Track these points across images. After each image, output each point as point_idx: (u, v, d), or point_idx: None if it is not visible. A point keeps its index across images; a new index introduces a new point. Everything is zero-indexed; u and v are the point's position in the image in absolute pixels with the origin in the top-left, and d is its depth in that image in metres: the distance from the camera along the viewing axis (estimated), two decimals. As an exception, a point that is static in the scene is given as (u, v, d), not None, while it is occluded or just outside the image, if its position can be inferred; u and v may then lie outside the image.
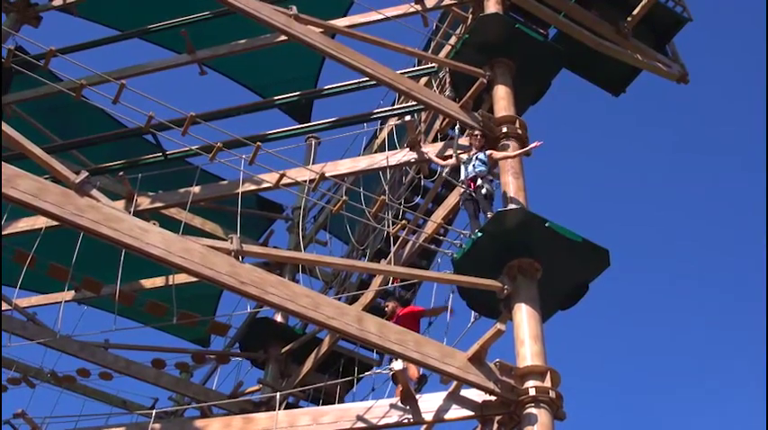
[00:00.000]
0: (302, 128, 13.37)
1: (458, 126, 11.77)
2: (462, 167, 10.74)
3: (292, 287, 8.86)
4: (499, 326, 9.19)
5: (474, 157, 10.71)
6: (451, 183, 12.10)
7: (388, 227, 11.13)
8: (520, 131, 11.19)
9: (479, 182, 10.46)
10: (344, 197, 10.18)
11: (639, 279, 30.82)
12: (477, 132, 10.98)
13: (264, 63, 14.92)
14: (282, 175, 10.63)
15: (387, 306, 11.02)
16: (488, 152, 10.73)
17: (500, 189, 10.72)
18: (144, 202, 12.58)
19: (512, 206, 10.20)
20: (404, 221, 10.97)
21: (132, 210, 11.14)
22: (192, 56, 13.27)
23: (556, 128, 29.28)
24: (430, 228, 11.36)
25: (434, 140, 12.73)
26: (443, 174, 12.02)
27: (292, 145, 13.44)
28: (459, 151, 10.88)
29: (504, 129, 11.13)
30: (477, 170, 10.56)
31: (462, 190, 10.58)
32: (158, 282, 14.31)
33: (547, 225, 9.78)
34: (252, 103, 13.73)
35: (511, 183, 10.61)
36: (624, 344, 29.99)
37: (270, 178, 11.16)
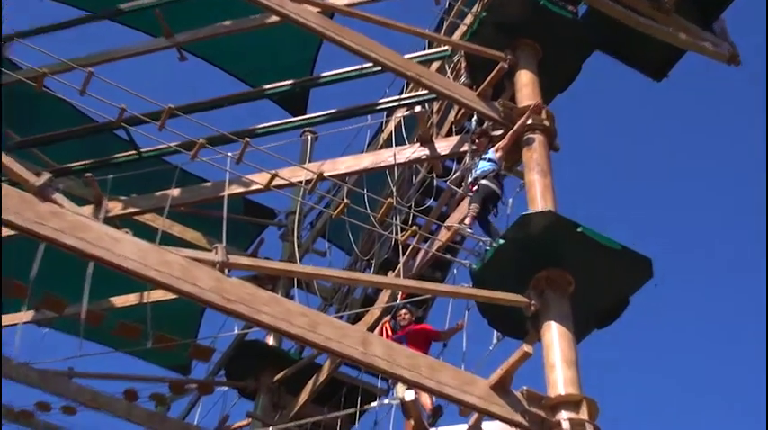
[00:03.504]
0: (297, 121, 13.44)
1: (475, 117, 11.75)
2: (469, 176, 10.93)
3: (286, 304, 8.87)
4: (526, 348, 9.18)
5: (478, 161, 10.87)
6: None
7: (397, 234, 11.14)
8: (547, 123, 11.17)
9: (482, 182, 10.59)
10: (346, 200, 10.24)
11: (685, 289, 30.69)
12: (477, 132, 11.18)
13: (253, 47, 14.92)
14: (274, 176, 10.66)
15: (402, 315, 11.08)
16: (495, 147, 10.90)
17: (524, 190, 10.74)
18: (115, 208, 12.62)
19: (538, 209, 10.21)
20: (414, 228, 11.00)
21: (102, 216, 11.20)
22: (169, 40, 13.31)
23: (587, 119, 29.26)
24: (444, 235, 11.39)
25: (449, 134, 12.74)
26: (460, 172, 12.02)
27: (285, 140, 13.40)
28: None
29: (529, 121, 11.13)
30: (480, 170, 10.69)
31: (468, 197, 10.71)
32: (131, 299, 14.33)
33: (579, 230, 9.78)
34: (239, 92, 13.78)
35: (537, 183, 10.62)
36: (673, 367, 29.82)
37: (260, 179, 11.18)
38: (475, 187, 10.68)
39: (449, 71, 12.90)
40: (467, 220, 10.45)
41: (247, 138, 10.12)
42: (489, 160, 10.83)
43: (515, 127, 10.96)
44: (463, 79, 12.22)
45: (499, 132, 11.34)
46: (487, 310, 10.24)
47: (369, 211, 11.38)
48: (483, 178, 10.67)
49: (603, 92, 30.41)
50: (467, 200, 10.99)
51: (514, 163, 11.26)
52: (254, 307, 8.58)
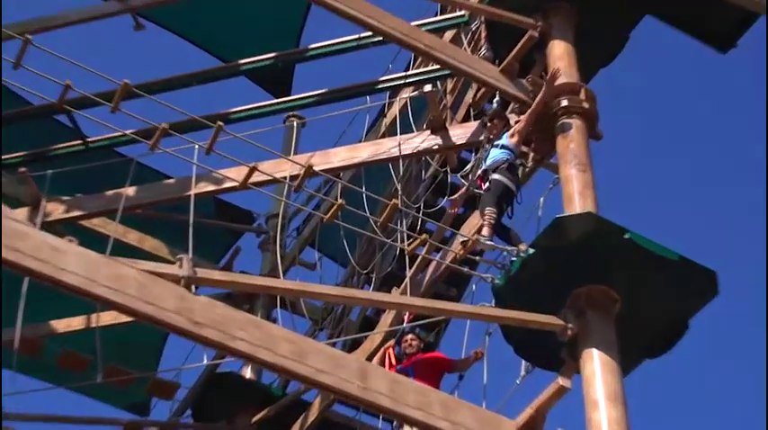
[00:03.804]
0: (280, 103, 13.40)
1: (497, 98, 11.76)
2: (477, 168, 11.03)
3: (267, 328, 8.89)
4: (562, 381, 9.20)
5: (490, 148, 10.94)
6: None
7: (402, 242, 11.13)
8: (586, 105, 11.17)
9: (493, 176, 10.61)
10: (340, 200, 10.21)
11: (753, 307, 30.57)
12: (491, 113, 11.26)
13: (226, 14, 14.96)
14: (253, 170, 10.63)
15: (409, 341, 11.11)
16: (510, 131, 11.00)
17: (559, 187, 10.76)
18: (56, 210, 12.58)
19: (575, 210, 10.20)
20: (424, 236, 10.94)
21: (39, 221, 11.21)
22: (122, 3, 13.26)
23: (636, 100, 29.17)
24: (460, 245, 11.32)
25: (465, 119, 12.73)
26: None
27: (267, 127, 13.28)
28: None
29: (564, 103, 11.13)
30: (491, 161, 10.76)
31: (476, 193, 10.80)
32: (77, 323, 14.19)
33: (627, 236, 9.79)
34: (209, 68, 13.73)
35: (574, 178, 10.65)
36: (740, 404, 29.68)
37: (235, 174, 11.17)
38: (486, 183, 10.70)
39: (465, 42, 12.89)
40: (484, 231, 10.49)
41: (220, 123, 10.12)
42: (502, 147, 10.84)
43: (536, 102, 10.94)
44: (483, 51, 12.24)
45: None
46: (514, 335, 10.24)
47: (368, 214, 11.35)
48: (494, 170, 10.70)
49: (654, 67, 30.38)
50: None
51: (546, 154, 11.28)
52: (227, 331, 8.56)
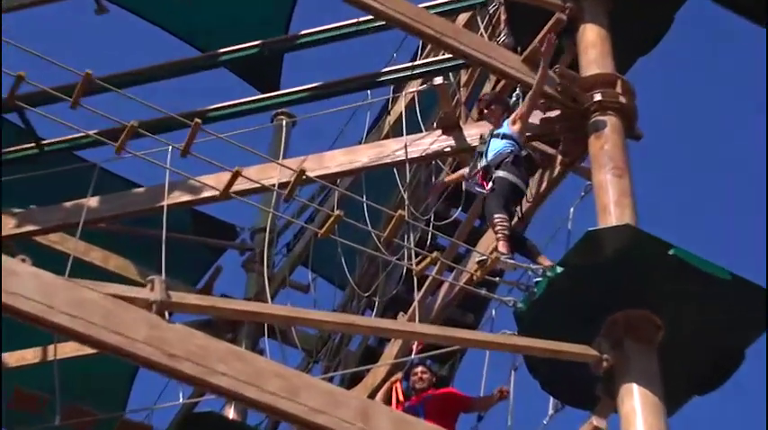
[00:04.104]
0: (266, 99, 13.52)
1: (518, 91, 11.89)
2: (477, 164, 11.03)
3: (253, 361, 8.93)
4: (596, 421, 9.38)
5: (489, 139, 10.98)
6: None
7: (410, 260, 11.18)
8: (623, 100, 11.26)
9: (498, 173, 10.69)
10: (337, 211, 10.21)
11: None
12: (488, 98, 11.31)
13: (204, -3, 15.12)
14: (236, 176, 10.54)
15: (419, 375, 11.19)
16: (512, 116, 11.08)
17: (591, 195, 10.86)
18: (6, 225, 12.54)
19: (611, 222, 10.29)
20: (436, 254, 10.88)
21: (-13, 238, 11.18)
22: (83, -17, 13.43)
23: (680, 93, 29.12)
24: (476, 263, 11.22)
25: (481, 117, 12.60)
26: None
27: (251, 127, 13.18)
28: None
29: (597, 97, 11.21)
30: (493, 154, 10.82)
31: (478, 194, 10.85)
32: (31, 356, 14.36)
33: (672, 253, 9.84)
34: (184, 59, 13.84)
35: (609, 185, 10.72)
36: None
37: (215, 181, 11.20)
38: (489, 183, 10.72)
39: (482, 26, 13.06)
40: (500, 246, 10.47)
41: (198, 120, 10.09)
42: (504, 137, 10.91)
43: (537, 81, 10.92)
44: (503, 38, 12.42)
45: (555, 113, 11.47)
46: (540, 368, 10.27)
47: (370, 228, 11.47)
48: (498, 166, 10.75)
49: (699, 54, 30.37)
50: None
51: (577, 157, 11.39)
52: (206, 365, 8.59)
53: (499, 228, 10.54)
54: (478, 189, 10.87)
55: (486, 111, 11.41)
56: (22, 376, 13.83)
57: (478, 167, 10.94)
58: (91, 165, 12.60)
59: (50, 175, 12.77)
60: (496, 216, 10.59)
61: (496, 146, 10.93)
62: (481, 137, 11.33)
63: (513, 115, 11.12)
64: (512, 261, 10.48)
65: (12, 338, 13.69)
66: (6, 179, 12.13)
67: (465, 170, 11.42)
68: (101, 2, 13.60)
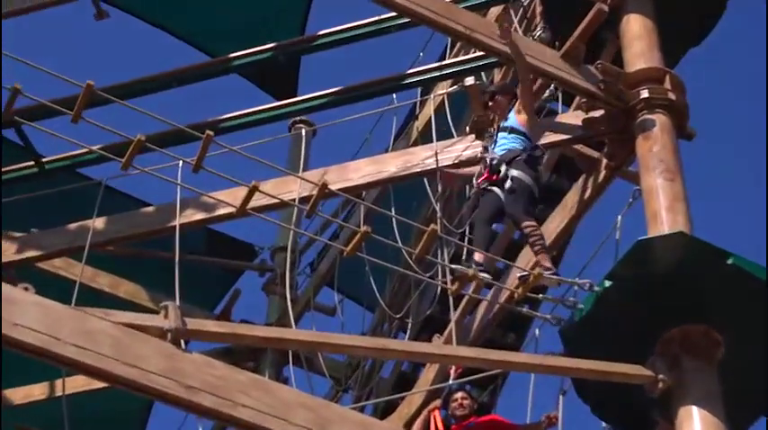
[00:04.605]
0: (283, 106, 13.48)
1: (552, 88, 11.91)
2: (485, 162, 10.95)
3: (278, 392, 8.88)
4: None
5: (496, 133, 10.94)
6: (554, 195, 11.97)
7: (445, 278, 11.11)
8: (673, 96, 11.20)
9: (513, 173, 10.57)
10: (364, 227, 10.12)
11: None
12: (492, 89, 11.27)
13: (212, -3, 15.14)
14: (253, 191, 10.39)
15: (459, 402, 11.08)
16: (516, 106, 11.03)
17: (641, 200, 10.79)
18: (5, 251, 12.57)
19: (663, 230, 10.20)
20: (472, 270, 10.76)
21: (-14, 265, 11.14)
22: (79, -15, 13.40)
23: (737, 87, 28.99)
24: (517, 279, 11.15)
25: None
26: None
27: (268, 137, 13.29)
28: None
29: (644, 94, 11.15)
30: (502, 150, 10.75)
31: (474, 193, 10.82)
32: (38, 392, 14.36)
33: (731, 262, 9.78)
34: (194, 65, 13.89)
35: (660, 190, 10.66)
36: None
37: (230, 197, 11.12)
38: (507, 182, 10.59)
39: (516, 20, 12.98)
40: (542, 259, 10.41)
41: (210, 133, 9.96)
42: (512, 131, 10.85)
43: (517, 59, 10.87)
44: (539, 32, 12.37)
45: (599, 113, 11.35)
46: (590, 391, 10.20)
47: (400, 244, 11.36)
48: (510, 163, 10.66)
49: (754, 44, 30.32)
50: (564, 207, 11.20)
51: (624, 160, 11.33)
52: (227, 397, 8.55)
53: (534, 238, 10.51)
54: (492, 187, 10.70)
55: (491, 103, 11.31)
56: (29, 414, 13.90)
57: (488, 167, 10.84)
58: (96, 182, 12.61)
59: (52, 196, 12.82)
60: (528, 224, 10.54)
61: (506, 142, 10.86)
62: (484, 131, 11.34)
63: (516, 105, 11.04)
64: (556, 277, 10.41)
65: (16, 374, 13.77)
66: (5, 201, 12.17)
67: (476, 168, 11.27)
68: (100, 6, 13.61)
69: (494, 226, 11.01)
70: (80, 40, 26.65)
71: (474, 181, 10.97)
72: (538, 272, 10.39)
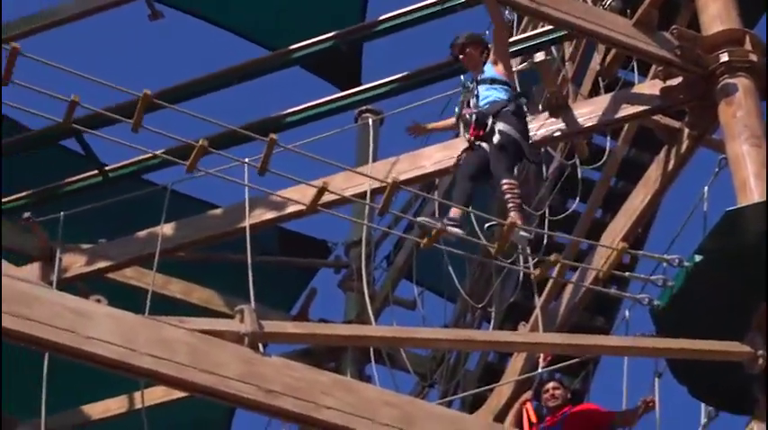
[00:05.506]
0: (348, 96, 13.51)
1: (634, 62, 11.86)
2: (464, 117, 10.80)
3: (362, 391, 8.91)
4: (757, 428, 9.33)
5: (475, 85, 10.79)
6: (635, 169, 11.86)
7: (527, 263, 11.11)
8: (754, 57, 11.07)
9: (500, 126, 10.41)
10: (441, 220, 10.16)
11: None
12: (461, 42, 11.00)
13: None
14: (323, 189, 10.39)
15: (551, 392, 11.12)
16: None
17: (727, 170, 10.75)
18: (75, 263, 12.67)
19: (753, 199, 10.13)
20: (555, 255, 10.57)
21: (55, 278, 11.30)
22: (131, -14, 13.44)
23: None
24: (603, 259, 11.11)
25: (592, 93, 12.74)
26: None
27: (333, 130, 13.16)
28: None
29: (724, 58, 11.02)
30: (486, 102, 10.60)
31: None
32: (116, 406, 14.37)
33: None
34: (253, 60, 13.89)
35: (747, 157, 10.57)
36: None
37: (299, 194, 11.05)
38: (495, 136, 10.40)
39: (585, -9, 12.93)
40: (513, 216, 10.08)
41: (273, 135, 9.93)
42: (494, 82, 10.72)
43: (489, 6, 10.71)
44: (610, 1, 12.27)
45: (677, 81, 11.24)
46: (686, 372, 10.14)
47: (479, 233, 11.17)
48: (497, 115, 10.50)
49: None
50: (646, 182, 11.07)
51: (707, 128, 11.25)
52: (310, 399, 8.56)
53: (510, 196, 10.31)
54: (481, 141, 10.50)
55: (461, 56, 11.10)
56: (108, 429, 13.91)
57: (467, 117, 10.66)
58: (161, 187, 12.70)
59: (117, 204, 12.75)
60: (506, 182, 10.34)
61: (489, 93, 10.69)
62: (462, 84, 11.13)
63: (490, 56, 10.86)
64: (524, 234, 10.17)
65: (93, 388, 13.81)
66: (69, 213, 12.21)
67: (451, 120, 11.25)
68: (154, 6, 13.68)
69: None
70: (135, 42, 26.81)
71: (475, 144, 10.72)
72: (621, 246, 10.36)
